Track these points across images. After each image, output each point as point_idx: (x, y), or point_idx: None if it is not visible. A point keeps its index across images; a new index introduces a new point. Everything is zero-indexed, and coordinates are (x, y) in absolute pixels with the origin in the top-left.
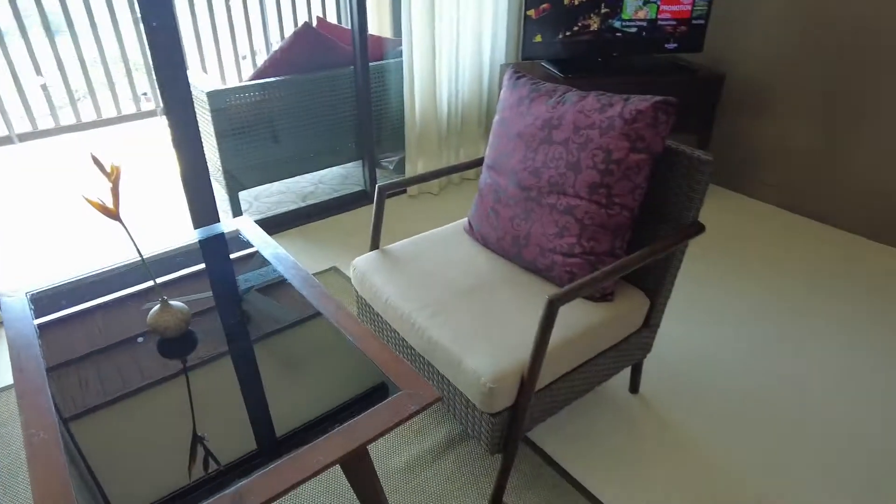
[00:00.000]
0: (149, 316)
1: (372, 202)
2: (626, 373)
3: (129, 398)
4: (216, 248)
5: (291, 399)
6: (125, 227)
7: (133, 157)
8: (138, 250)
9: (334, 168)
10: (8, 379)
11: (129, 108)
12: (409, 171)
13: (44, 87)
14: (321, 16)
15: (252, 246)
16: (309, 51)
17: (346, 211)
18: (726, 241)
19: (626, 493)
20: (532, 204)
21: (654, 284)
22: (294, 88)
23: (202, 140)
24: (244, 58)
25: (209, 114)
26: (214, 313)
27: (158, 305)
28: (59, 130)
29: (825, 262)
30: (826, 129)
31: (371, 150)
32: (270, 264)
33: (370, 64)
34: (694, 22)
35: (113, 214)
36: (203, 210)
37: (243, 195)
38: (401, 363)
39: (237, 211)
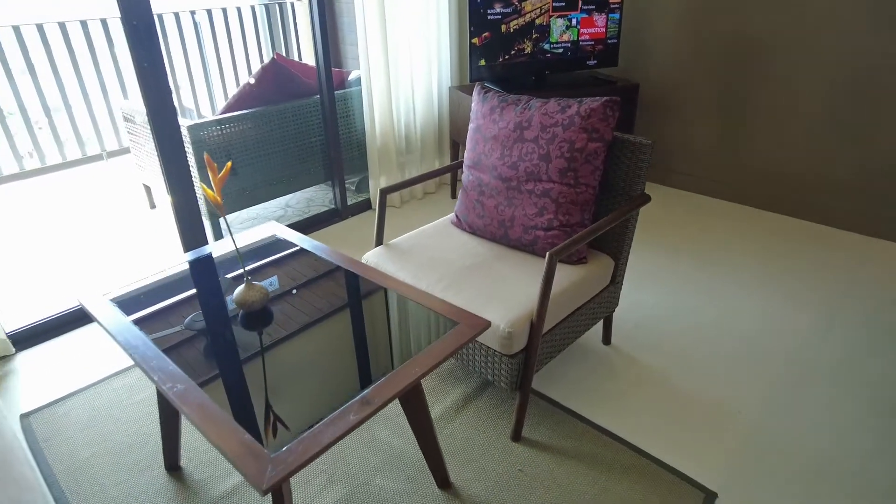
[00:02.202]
0: (235, 293)
1: (343, 219)
2: (600, 329)
3: (243, 361)
4: (260, 251)
5: (377, 346)
6: (225, 220)
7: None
8: (234, 240)
9: (298, 193)
10: (89, 378)
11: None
12: (374, 188)
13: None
14: (281, 53)
15: (294, 244)
16: (276, 83)
17: (320, 229)
18: (657, 224)
19: (616, 419)
20: (513, 192)
21: (616, 248)
22: (264, 119)
23: (191, 171)
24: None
25: (189, 146)
26: (289, 297)
27: (244, 285)
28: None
29: (733, 231)
30: (724, 122)
31: (340, 172)
32: (317, 255)
33: (339, 91)
34: (609, 41)
35: (218, 204)
36: (192, 236)
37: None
38: (451, 306)
39: (219, 236)
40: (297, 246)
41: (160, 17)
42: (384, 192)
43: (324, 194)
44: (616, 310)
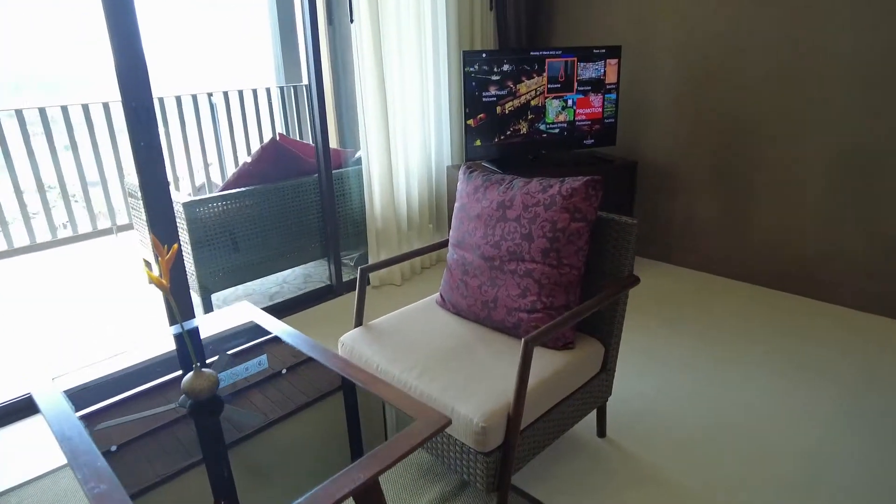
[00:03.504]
0: (184, 380)
1: (338, 295)
2: (594, 420)
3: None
4: (223, 334)
5: (331, 445)
6: (172, 300)
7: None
8: (179, 321)
9: (296, 268)
10: (38, 470)
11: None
12: None
13: None
14: (282, 132)
15: (263, 328)
16: (275, 162)
17: (313, 306)
18: (659, 303)
19: None
20: (496, 272)
21: (606, 332)
22: (262, 197)
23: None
24: (178, 179)
25: (184, 223)
26: (243, 387)
27: (192, 373)
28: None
29: (739, 312)
30: (725, 199)
31: (336, 248)
32: (285, 341)
33: (338, 170)
34: (606, 121)
35: (164, 286)
36: (180, 312)
37: (212, 298)
38: (412, 400)
39: (209, 311)
40: (267, 332)
41: (178, 98)
42: (364, 271)
43: (321, 270)
44: (612, 399)
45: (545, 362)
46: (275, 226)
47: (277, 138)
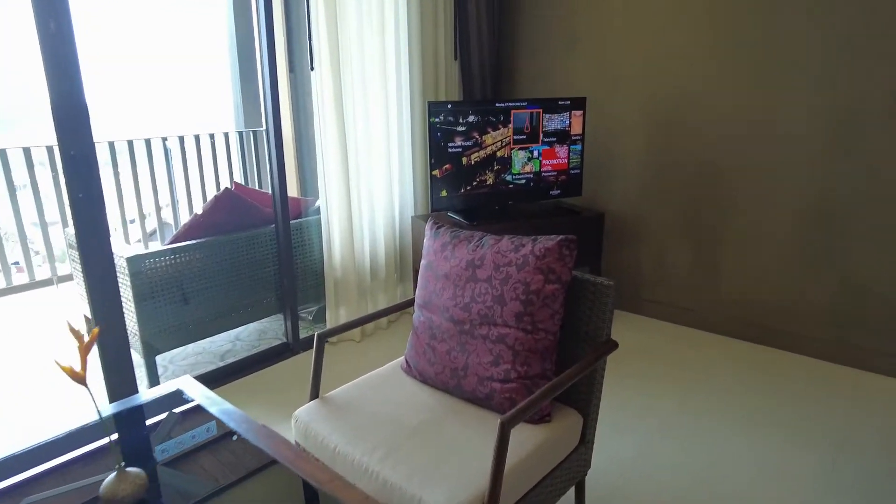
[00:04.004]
0: (103, 485)
1: (295, 353)
2: (571, 497)
3: None
4: (157, 413)
5: None
6: (90, 393)
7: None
8: (99, 412)
9: (251, 324)
10: None
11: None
12: (331, 320)
13: None
14: (238, 181)
15: (205, 411)
16: (228, 213)
17: (267, 366)
18: (631, 357)
19: None
20: (466, 336)
21: (584, 401)
22: (213, 249)
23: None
24: (132, 221)
25: (128, 279)
26: (171, 479)
27: (114, 474)
28: None
29: (713, 366)
30: (694, 249)
31: (293, 303)
32: (220, 420)
33: (296, 221)
34: (572, 171)
35: (81, 378)
36: (121, 381)
37: (158, 359)
38: (364, 497)
39: (153, 377)
40: (208, 416)
41: (130, 143)
42: (321, 338)
43: (278, 325)
44: (590, 471)
45: (521, 438)
46: (228, 280)
47: (232, 187)
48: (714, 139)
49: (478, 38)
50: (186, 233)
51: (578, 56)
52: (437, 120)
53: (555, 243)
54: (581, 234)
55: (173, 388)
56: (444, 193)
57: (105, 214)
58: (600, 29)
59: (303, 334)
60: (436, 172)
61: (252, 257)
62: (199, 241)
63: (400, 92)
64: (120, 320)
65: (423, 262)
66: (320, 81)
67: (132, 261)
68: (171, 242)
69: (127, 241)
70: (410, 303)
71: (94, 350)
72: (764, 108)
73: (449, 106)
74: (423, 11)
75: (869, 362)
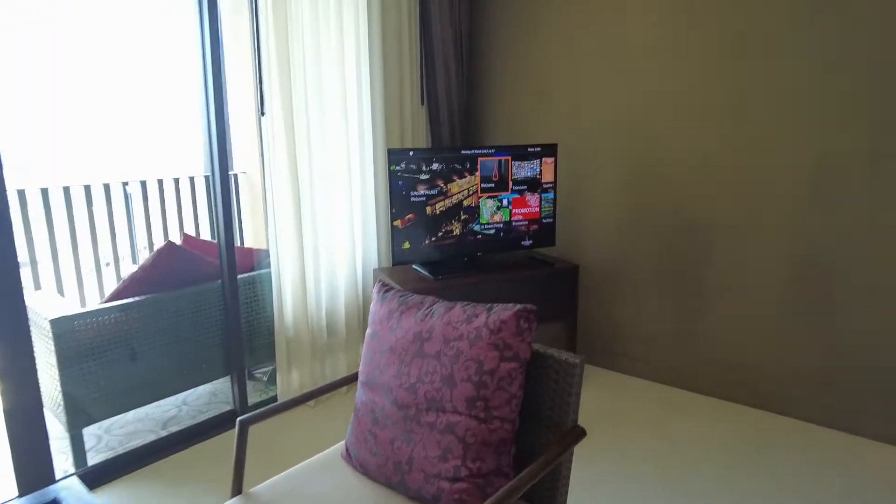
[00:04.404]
0: None
1: None
2: None
3: None
4: None
5: None
6: None
7: None
8: None
9: (202, 386)
10: None
11: None
12: (281, 384)
13: None
14: (189, 234)
15: None
16: (172, 268)
17: (213, 436)
18: (606, 422)
19: None
20: (412, 423)
21: (547, 499)
22: (154, 307)
23: (38, 372)
24: (107, 264)
25: (51, 342)
26: None
27: None
28: None
29: (696, 430)
30: (673, 303)
31: (240, 366)
32: None
33: (241, 276)
34: (544, 221)
35: None
36: (33, 468)
37: (92, 429)
38: None
39: (79, 452)
40: None
41: (87, 188)
42: (244, 425)
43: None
44: None
45: None
46: (171, 340)
47: (180, 239)
48: (690, 189)
49: (445, 82)
50: (126, 289)
51: (550, 102)
52: (398, 168)
53: (511, 314)
54: (555, 286)
55: (49, 499)
56: (406, 245)
57: (18, 274)
58: (573, 75)
59: (258, 397)
60: (397, 223)
61: (198, 315)
62: (138, 298)
63: (362, 138)
64: (34, 393)
65: (368, 330)
66: (271, 126)
67: (57, 323)
68: (108, 300)
69: (82, 299)
70: (355, 377)
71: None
72: (740, 157)
73: (411, 153)
74: (387, 54)
75: (864, 428)
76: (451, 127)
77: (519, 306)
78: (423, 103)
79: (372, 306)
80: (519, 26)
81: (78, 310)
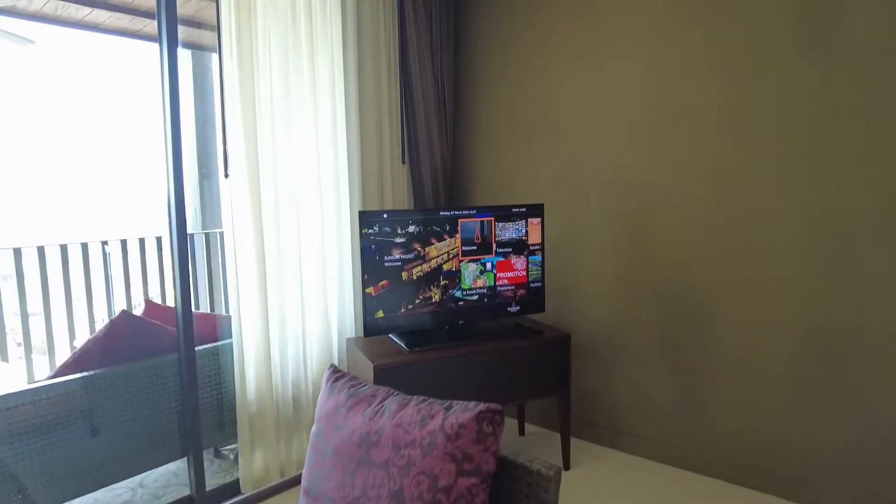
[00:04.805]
0: None
1: None
2: None
3: None
4: None
5: None
6: None
7: None
8: None
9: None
10: None
11: None
12: (244, 467)
13: None
14: (150, 300)
15: None
16: (127, 340)
17: None
18: (605, 500)
19: None
20: None
21: None
22: (107, 383)
23: None
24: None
25: None
26: None
27: None
28: None
29: None
30: (677, 375)
31: (197, 447)
32: None
33: (204, 347)
34: (532, 285)
35: None
36: None
37: None
38: None
39: None
40: None
41: (84, 245)
42: None
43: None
44: None
45: None
46: (125, 418)
47: (141, 306)
48: (689, 251)
49: (427, 139)
50: (76, 363)
51: (539, 159)
52: (370, 231)
53: (471, 417)
54: (545, 357)
55: None
56: (380, 314)
57: None
58: (562, 130)
59: (223, 478)
60: (370, 290)
61: (155, 390)
62: (88, 373)
63: (338, 199)
64: None
65: (313, 427)
66: (235, 188)
67: None
68: (55, 375)
69: (31, 374)
70: (298, 480)
71: None
72: (741, 217)
73: (384, 215)
74: (364, 111)
75: None
76: (435, 186)
77: (481, 406)
78: (403, 162)
79: (319, 398)
80: (504, 78)
81: (15, 388)
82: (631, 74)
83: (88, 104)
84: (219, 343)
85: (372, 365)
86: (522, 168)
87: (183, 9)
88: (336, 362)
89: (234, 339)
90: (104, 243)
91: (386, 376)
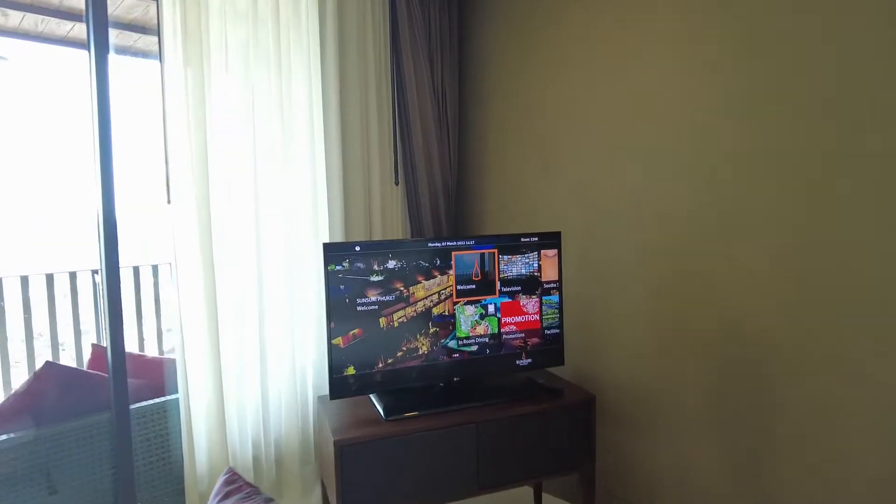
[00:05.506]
0: None
1: None
2: None
3: None
4: None
5: None
6: None
7: None
8: None
9: None
10: None
11: None
12: None
13: None
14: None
15: None
16: (56, 395)
17: None
18: None
19: None
20: None
21: None
22: (25, 450)
23: None
24: None
25: None
26: None
27: None
28: None
29: None
30: (728, 451)
31: None
32: None
33: (147, 403)
34: (547, 332)
35: None
36: None
37: None
38: None
39: None
40: None
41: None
42: None
43: None
44: None
45: None
46: (47, 490)
47: (81, 357)
48: (748, 302)
49: (426, 159)
50: None
51: (557, 179)
52: (339, 268)
53: None
54: (564, 424)
55: None
56: (350, 371)
57: None
58: (586, 144)
59: None
60: (338, 341)
61: (86, 457)
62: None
63: (316, 230)
64: None
65: None
66: (177, 215)
67: None
68: None
69: None
70: None
71: None
72: (819, 258)
73: (356, 248)
74: (348, 125)
75: None
76: (436, 212)
77: None
78: (396, 183)
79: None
80: (519, 84)
81: None
82: (680, 62)
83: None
84: (167, 398)
85: (332, 440)
86: (539, 189)
87: (119, 10)
88: (301, 426)
89: (181, 394)
90: (94, 272)
91: (353, 455)
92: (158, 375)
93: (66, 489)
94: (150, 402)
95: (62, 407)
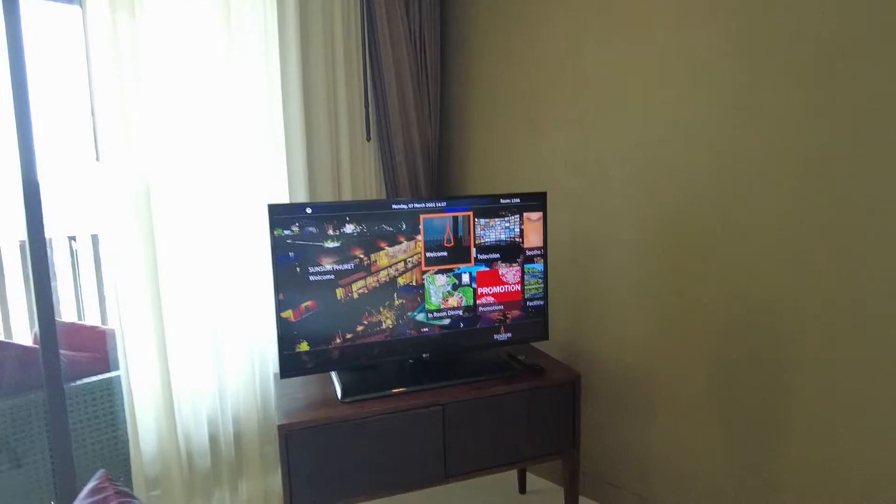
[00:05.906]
0: None
1: None
2: None
3: None
4: None
5: None
6: None
7: None
8: None
9: None
10: None
11: None
12: None
13: None
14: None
15: None
16: None
17: None
18: None
19: None
20: None
21: None
22: None
23: None
24: None
25: None
26: None
27: None
28: None
29: None
30: (731, 437)
31: None
32: None
33: (90, 380)
34: (529, 304)
35: None
36: None
37: None
38: None
39: None
40: None
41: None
42: None
43: None
44: None
45: None
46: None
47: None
48: (755, 270)
49: (401, 114)
50: None
51: (546, 135)
52: (287, 232)
53: None
54: (546, 405)
55: None
56: (303, 347)
57: None
58: (580, 96)
59: None
60: (288, 314)
61: (23, 437)
62: None
63: (274, 191)
64: None
65: None
66: (107, 174)
67: None
68: None
69: None
70: None
71: None
72: (831, 222)
73: (307, 210)
74: (310, 74)
75: None
76: (413, 171)
77: None
78: (368, 139)
79: None
80: (508, 28)
81: None
82: (673, 21)
83: None
84: (112, 375)
85: (277, 425)
86: (529, 151)
87: None
88: (262, 404)
89: (122, 370)
90: (71, 238)
91: (301, 441)
92: (104, 348)
93: (2, 473)
94: (95, 378)
95: (5, 384)
